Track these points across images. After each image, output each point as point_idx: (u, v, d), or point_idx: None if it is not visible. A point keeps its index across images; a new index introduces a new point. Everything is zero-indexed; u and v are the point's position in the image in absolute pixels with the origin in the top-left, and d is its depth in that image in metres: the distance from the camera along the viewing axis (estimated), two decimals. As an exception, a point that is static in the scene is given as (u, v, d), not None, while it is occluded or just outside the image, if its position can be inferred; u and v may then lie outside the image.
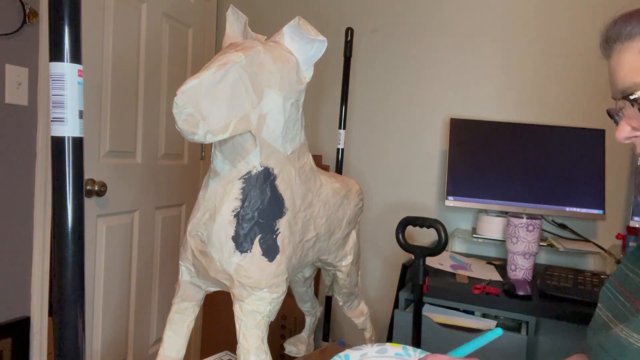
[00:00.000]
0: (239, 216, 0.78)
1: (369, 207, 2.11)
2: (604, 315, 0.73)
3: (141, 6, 1.80)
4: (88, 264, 1.65)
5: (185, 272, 0.87)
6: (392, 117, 2.07)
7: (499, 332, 0.68)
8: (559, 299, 1.32)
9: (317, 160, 2.13)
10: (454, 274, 1.54)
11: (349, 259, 1.09)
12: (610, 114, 0.69)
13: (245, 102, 0.72)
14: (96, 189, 1.62)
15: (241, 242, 0.78)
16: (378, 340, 1.80)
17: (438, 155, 2.01)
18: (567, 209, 1.70)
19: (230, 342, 2.04)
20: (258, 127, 0.75)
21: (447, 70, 1.98)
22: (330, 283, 1.21)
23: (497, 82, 1.92)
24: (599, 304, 0.76)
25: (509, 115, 1.90)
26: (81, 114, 0.55)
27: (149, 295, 1.98)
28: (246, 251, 0.78)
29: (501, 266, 1.70)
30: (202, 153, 2.28)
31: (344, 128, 1.87)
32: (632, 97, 0.62)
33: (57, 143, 0.54)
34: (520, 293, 1.33)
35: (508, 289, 1.37)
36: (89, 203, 1.63)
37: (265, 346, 0.79)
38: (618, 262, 1.55)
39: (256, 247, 0.79)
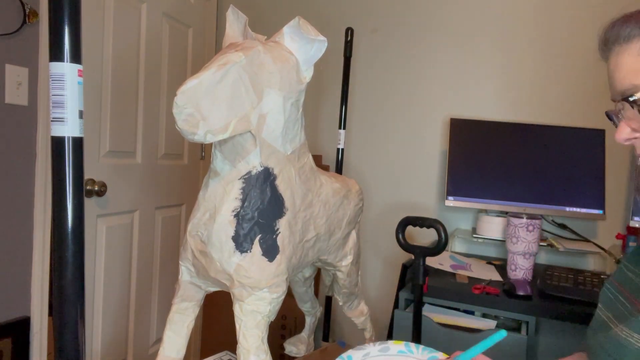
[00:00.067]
0: (239, 216, 0.78)
1: (369, 207, 2.11)
2: (604, 315, 0.73)
3: (141, 6, 1.80)
4: (88, 264, 1.65)
5: (185, 272, 0.87)
6: (392, 117, 2.07)
7: (504, 333, 0.67)
8: (559, 299, 1.32)
9: (317, 160, 2.13)
10: (454, 274, 1.54)
11: (349, 259, 1.09)
12: (609, 116, 0.69)
13: (245, 102, 0.72)
14: (96, 189, 1.62)
15: (241, 242, 0.78)
16: (378, 340, 1.80)
17: (438, 155, 2.01)
18: (567, 209, 1.70)
19: (230, 342, 2.04)
20: (258, 127, 0.75)
21: (447, 70, 1.98)
22: (330, 283, 1.21)
23: (497, 82, 1.92)
24: (599, 304, 0.76)
25: (509, 115, 1.90)
26: (81, 114, 0.55)
27: (149, 295, 1.98)
28: (246, 251, 0.78)
29: (501, 266, 1.70)
30: (202, 153, 2.28)
31: (344, 128, 1.87)
32: (631, 99, 0.62)
33: (57, 143, 0.54)
34: (520, 293, 1.33)
35: (508, 289, 1.37)
36: (89, 203, 1.63)
37: (265, 346, 0.79)
38: (618, 262, 1.55)
39: (256, 247, 0.79)
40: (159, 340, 2.04)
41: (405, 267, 1.59)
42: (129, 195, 1.82)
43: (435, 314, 1.40)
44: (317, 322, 1.40)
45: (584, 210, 1.69)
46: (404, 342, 0.74)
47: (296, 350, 1.32)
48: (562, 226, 1.80)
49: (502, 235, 1.71)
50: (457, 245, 1.96)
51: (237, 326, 0.79)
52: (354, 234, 1.11)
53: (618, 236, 1.67)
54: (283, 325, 1.99)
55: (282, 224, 0.82)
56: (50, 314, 1.59)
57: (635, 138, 0.65)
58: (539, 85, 1.87)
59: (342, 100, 1.86)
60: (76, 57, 0.54)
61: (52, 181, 0.54)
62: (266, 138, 0.77)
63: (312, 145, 2.20)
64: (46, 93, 1.50)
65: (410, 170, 2.05)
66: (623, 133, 0.65)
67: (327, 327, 1.94)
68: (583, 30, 1.80)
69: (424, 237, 2.02)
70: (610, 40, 0.66)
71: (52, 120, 0.54)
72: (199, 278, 0.86)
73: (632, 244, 1.62)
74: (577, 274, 1.50)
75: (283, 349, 1.36)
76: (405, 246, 1.12)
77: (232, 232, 0.78)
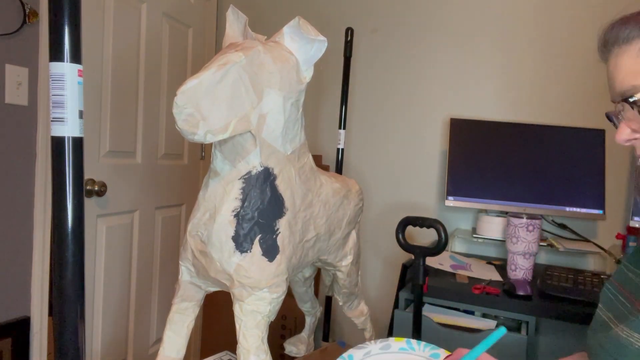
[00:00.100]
0: (239, 216, 0.78)
1: (369, 207, 2.11)
2: (605, 315, 0.73)
3: (141, 6, 1.80)
4: (88, 264, 1.65)
5: (185, 272, 0.87)
6: (392, 117, 2.07)
7: (503, 330, 0.68)
8: (559, 299, 1.32)
9: (317, 160, 2.13)
10: (454, 274, 1.54)
11: (349, 259, 1.09)
12: (609, 117, 0.69)
13: (245, 102, 0.72)
14: (96, 189, 1.62)
15: (241, 242, 0.78)
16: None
17: (438, 155, 2.01)
18: (567, 209, 1.70)
19: (230, 342, 2.04)
20: (258, 127, 0.75)
21: (447, 70, 1.98)
22: (330, 283, 1.21)
23: (497, 82, 1.92)
24: (599, 305, 0.76)
25: (509, 115, 1.90)
26: (81, 114, 0.55)
27: (149, 295, 1.98)
28: (246, 251, 0.78)
29: (501, 266, 1.70)
30: (202, 153, 2.28)
31: (344, 128, 1.87)
32: (631, 100, 0.62)
33: (57, 143, 0.54)
34: (520, 293, 1.33)
35: (508, 289, 1.37)
36: (89, 203, 1.63)
37: (265, 346, 0.79)
38: (618, 262, 1.55)
39: (256, 247, 0.79)
40: (159, 340, 2.04)
41: (405, 267, 1.59)
42: (129, 195, 1.82)
43: (435, 314, 1.40)
44: (317, 322, 1.40)
45: (584, 210, 1.69)
46: (405, 339, 0.74)
47: (296, 350, 1.32)
48: (562, 226, 1.80)
49: (502, 235, 1.71)
50: (457, 245, 1.96)
51: (237, 326, 0.79)
52: (354, 234, 1.11)
53: (618, 236, 1.67)
54: (283, 325, 1.99)
55: (282, 224, 0.82)
56: (50, 314, 1.59)
57: (636, 139, 0.66)
58: (539, 85, 1.87)
59: (342, 100, 1.86)
60: (76, 57, 0.54)
61: (52, 181, 0.54)
62: (266, 138, 0.77)
63: (312, 145, 2.20)
64: (46, 93, 1.50)
65: (410, 170, 2.05)
66: (623, 134, 0.65)
67: (327, 327, 1.94)
68: (583, 30, 1.81)
69: (424, 237, 2.02)
70: (609, 42, 0.66)
71: (52, 120, 0.54)
72: (199, 278, 0.86)
73: (632, 244, 1.62)
74: (577, 274, 1.50)
75: (283, 349, 1.36)
76: (405, 246, 1.12)
77: (232, 232, 0.78)
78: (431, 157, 2.01)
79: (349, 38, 1.83)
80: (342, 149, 1.87)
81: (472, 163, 1.78)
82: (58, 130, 0.54)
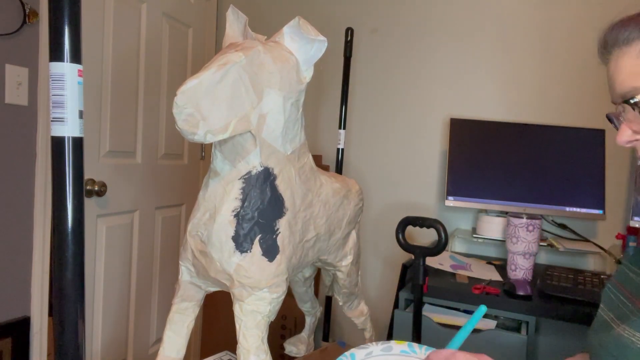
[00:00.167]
0: (239, 216, 0.78)
1: (369, 207, 2.11)
2: (606, 315, 0.73)
3: (141, 6, 1.80)
4: (88, 264, 1.65)
5: (185, 272, 0.87)
6: (392, 117, 2.07)
7: (484, 309, 0.68)
8: (559, 299, 1.32)
9: (317, 160, 2.13)
10: (454, 274, 1.54)
11: (349, 259, 1.09)
12: (610, 119, 0.69)
13: (245, 102, 0.72)
14: (96, 189, 1.62)
15: (241, 242, 0.78)
16: (378, 340, 1.80)
17: (438, 155, 2.01)
18: (567, 209, 1.70)
19: (230, 342, 2.04)
20: (258, 127, 0.75)
21: (447, 70, 1.98)
22: (330, 283, 1.21)
23: (497, 82, 1.92)
24: (600, 305, 0.76)
25: (508, 115, 1.90)
26: (81, 114, 0.55)
27: (149, 295, 1.98)
28: (246, 251, 0.78)
29: (501, 266, 1.70)
30: (202, 153, 2.28)
31: (344, 128, 1.87)
32: (632, 101, 0.62)
33: (57, 143, 0.54)
34: (520, 293, 1.33)
35: (508, 289, 1.37)
36: (89, 203, 1.63)
37: (265, 346, 0.79)
38: (618, 262, 1.55)
39: (256, 247, 0.79)
40: (159, 340, 2.04)
41: (405, 267, 1.59)
42: (129, 195, 1.82)
43: (435, 314, 1.40)
44: (317, 322, 1.40)
45: (584, 210, 1.69)
46: (407, 342, 0.74)
47: (296, 350, 1.32)
48: (562, 226, 1.80)
49: (502, 235, 1.71)
50: (457, 245, 1.96)
51: (237, 326, 0.79)
52: (354, 234, 1.11)
53: (618, 236, 1.67)
54: (283, 325, 1.99)
55: (282, 224, 0.82)
56: (50, 314, 1.59)
57: (637, 140, 0.66)
58: (539, 85, 1.87)
59: (342, 100, 1.86)
60: (76, 57, 0.54)
61: (52, 181, 0.54)
62: (266, 138, 0.77)
63: (312, 145, 2.20)
64: (46, 93, 1.50)
65: (410, 170, 2.05)
66: (624, 135, 0.66)
67: (327, 327, 1.94)
68: (583, 31, 1.80)
69: (424, 237, 2.02)
70: (609, 44, 0.66)
71: (52, 120, 0.54)
72: (199, 278, 0.86)
73: (632, 244, 1.62)
74: (577, 274, 1.50)
75: (283, 349, 1.36)
76: (405, 246, 1.12)
77: (232, 232, 0.78)
78: (431, 157, 2.01)
79: (349, 38, 1.83)
80: (342, 149, 1.87)
81: (472, 163, 1.78)
82: (58, 130, 0.54)
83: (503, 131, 1.79)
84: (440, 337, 1.32)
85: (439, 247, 1.07)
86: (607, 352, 0.66)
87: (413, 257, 1.14)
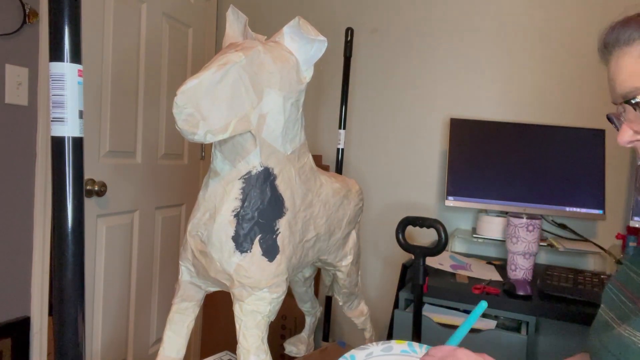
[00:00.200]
0: (239, 216, 0.78)
1: (369, 207, 2.11)
2: (607, 315, 0.73)
3: (141, 6, 1.80)
4: (88, 264, 1.65)
5: (185, 272, 0.87)
6: (392, 117, 2.07)
7: (484, 305, 0.68)
8: (559, 299, 1.32)
9: (317, 160, 2.13)
10: (454, 274, 1.54)
11: (349, 259, 1.09)
12: (610, 119, 0.69)
13: (245, 102, 0.72)
14: (96, 189, 1.62)
15: (241, 242, 0.78)
16: (378, 340, 1.80)
17: (438, 155, 2.01)
18: (567, 209, 1.70)
19: (230, 342, 2.04)
20: (258, 127, 0.75)
21: (447, 70, 1.98)
22: (330, 283, 1.21)
23: (497, 82, 1.92)
24: (601, 305, 0.76)
25: (509, 115, 1.90)
26: (81, 114, 0.55)
27: (149, 295, 1.98)
28: (246, 251, 0.78)
29: (501, 266, 1.70)
30: (202, 153, 2.28)
31: (344, 128, 1.87)
32: (633, 102, 0.62)
33: (57, 143, 0.54)
34: (520, 293, 1.33)
35: (508, 289, 1.37)
36: (89, 203, 1.63)
37: (265, 346, 0.79)
38: (618, 262, 1.55)
39: (256, 247, 0.79)
40: (159, 340, 2.04)
41: (405, 267, 1.59)
42: (129, 195, 1.82)
43: (435, 314, 1.40)
44: (317, 322, 1.40)
45: (584, 210, 1.69)
46: (407, 342, 0.74)
47: (296, 350, 1.32)
48: (562, 226, 1.80)
49: (502, 235, 1.71)
50: (457, 245, 1.96)
51: (237, 326, 0.79)
52: (354, 234, 1.11)
53: (618, 236, 1.67)
54: (283, 325, 1.99)
55: (282, 224, 0.82)
56: (50, 314, 1.59)
57: (638, 140, 0.66)
58: (539, 85, 1.87)
59: (342, 100, 1.86)
60: (76, 57, 0.54)
61: (52, 181, 0.54)
62: (266, 138, 0.77)
63: (312, 145, 2.20)
64: (46, 93, 1.50)
65: (410, 170, 2.05)
66: (625, 135, 0.66)
67: (327, 327, 1.94)
68: (583, 30, 1.80)
69: (424, 237, 2.02)
70: (610, 44, 0.66)
71: (52, 120, 0.54)
72: (199, 278, 0.86)
73: (632, 244, 1.62)
74: (577, 274, 1.50)
75: (283, 349, 1.36)
76: (405, 246, 1.12)
77: (232, 232, 0.78)
78: (431, 157, 2.01)
79: (349, 38, 1.83)
80: (342, 149, 1.87)
81: (472, 163, 1.78)
82: (58, 130, 0.54)
83: (503, 131, 1.79)
84: (441, 337, 1.32)
85: (439, 247, 1.07)
86: (608, 352, 0.66)
87: (413, 257, 1.14)
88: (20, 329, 1.48)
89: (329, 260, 1.05)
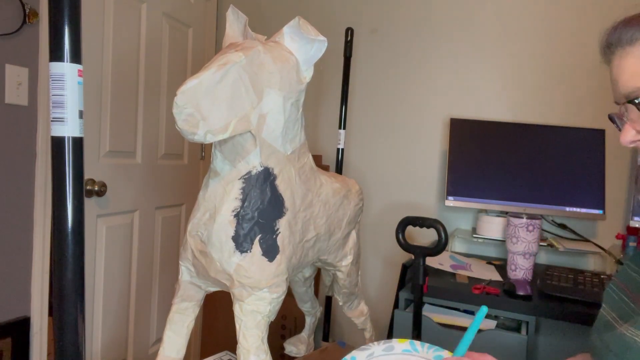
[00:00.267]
0: (239, 216, 0.78)
1: (369, 207, 2.11)
2: (608, 315, 0.73)
3: (141, 6, 1.80)
4: (88, 264, 1.65)
5: (185, 272, 0.87)
6: (392, 117, 2.07)
7: (485, 310, 0.68)
8: (559, 299, 1.32)
9: (317, 160, 2.13)
10: (454, 274, 1.54)
11: (349, 259, 1.09)
12: (612, 119, 0.69)
13: (245, 102, 0.72)
14: (96, 189, 1.62)
15: (241, 242, 0.78)
16: (378, 340, 1.80)
17: (438, 155, 2.01)
18: (567, 209, 1.70)
19: (230, 342, 2.04)
20: (258, 127, 0.75)
21: (447, 70, 1.98)
22: (330, 283, 1.21)
23: (497, 82, 1.92)
24: (603, 304, 0.76)
25: (509, 115, 1.90)
26: (81, 114, 0.55)
27: (149, 295, 1.98)
28: (246, 251, 0.78)
29: (501, 266, 1.70)
30: (202, 153, 2.28)
31: (344, 128, 1.87)
32: (637, 101, 0.62)
33: (57, 143, 0.54)
34: (520, 293, 1.33)
35: (508, 289, 1.37)
36: (89, 203, 1.63)
37: (265, 346, 0.79)
38: (618, 262, 1.55)
39: (256, 247, 0.79)
40: (159, 340, 2.04)
41: (405, 267, 1.59)
42: (129, 195, 1.82)
43: (435, 314, 1.40)
44: (317, 322, 1.40)
45: (584, 210, 1.69)
46: (408, 341, 0.74)
47: (296, 350, 1.32)
48: (562, 226, 1.80)
49: (502, 235, 1.71)
50: (457, 245, 1.96)
51: (237, 326, 0.79)
52: (354, 234, 1.11)
53: (618, 236, 1.67)
54: (283, 325, 1.99)
55: (282, 224, 0.82)
56: (50, 314, 1.59)
57: None
58: (539, 85, 1.87)
59: (342, 100, 1.86)
60: (76, 57, 0.54)
61: (52, 181, 0.54)
62: (266, 138, 0.77)
63: (312, 145, 2.20)
64: (46, 93, 1.50)
65: (410, 170, 2.05)
66: (628, 135, 0.66)
67: (327, 327, 1.94)
68: (583, 30, 1.80)
69: (424, 237, 2.02)
70: (612, 44, 0.66)
71: (52, 120, 0.54)
72: (199, 278, 0.86)
73: (632, 244, 1.62)
74: (577, 274, 1.50)
75: (283, 349, 1.36)
76: (405, 246, 1.12)
77: (232, 232, 0.78)
78: (431, 157, 2.01)
79: (349, 38, 1.83)
80: (342, 149, 1.87)
81: (472, 163, 1.78)
82: (58, 130, 0.54)
83: (503, 131, 1.79)
84: (441, 337, 1.32)
85: (439, 247, 1.07)
86: (610, 351, 0.66)
87: (413, 257, 1.14)
88: (20, 329, 1.48)
89: (329, 260, 1.05)
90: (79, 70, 0.54)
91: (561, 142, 1.74)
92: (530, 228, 1.43)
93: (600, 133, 1.72)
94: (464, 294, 1.37)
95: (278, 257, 0.81)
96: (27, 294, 1.51)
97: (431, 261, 1.57)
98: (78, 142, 0.55)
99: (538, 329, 1.63)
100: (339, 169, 1.88)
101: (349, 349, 1.39)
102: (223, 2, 2.30)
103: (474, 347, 0.69)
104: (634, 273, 0.74)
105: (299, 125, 0.84)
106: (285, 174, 0.82)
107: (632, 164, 1.76)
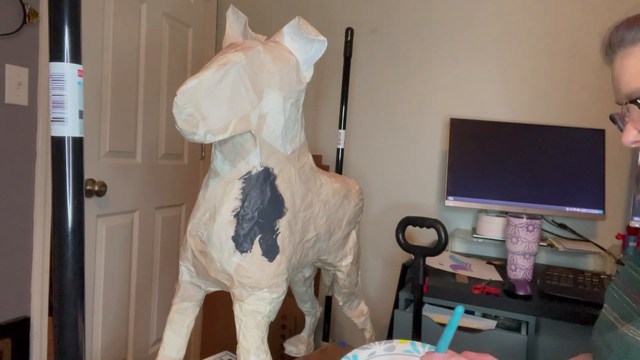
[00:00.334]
0: (239, 216, 0.78)
1: (369, 207, 2.11)
2: (610, 315, 0.73)
3: (141, 6, 1.80)
4: (88, 264, 1.65)
5: (185, 272, 0.87)
6: (392, 117, 2.07)
7: (461, 310, 0.68)
8: (559, 299, 1.32)
9: (317, 160, 2.13)
10: (454, 274, 1.54)
11: (349, 259, 1.09)
12: (614, 119, 0.69)
13: (245, 102, 0.72)
14: (96, 189, 1.62)
15: (241, 242, 0.78)
16: (378, 340, 1.80)
17: (438, 155, 2.01)
18: (567, 209, 1.70)
19: (230, 342, 2.04)
20: (258, 127, 0.75)
21: (447, 70, 1.98)
22: (330, 283, 1.21)
23: (497, 82, 1.92)
24: (604, 305, 0.76)
25: (509, 115, 1.90)
26: (81, 114, 0.55)
27: (149, 295, 1.98)
28: (246, 251, 0.78)
29: (501, 266, 1.70)
30: (202, 153, 2.28)
31: (344, 128, 1.87)
32: (639, 101, 0.62)
33: (57, 143, 0.54)
34: (520, 293, 1.33)
35: (508, 289, 1.37)
36: (89, 203, 1.63)
37: (265, 346, 0.79)
38: (618, 262, 1.55)
39: (256, 247, 0.79)
40: (159, 340, 2.04)
41: (405, 267, 1.59)
42: (129, 195, 1.82)
43: (435, 314, 1.40)
44: (317, 322, 1.40)
45: (584, 210, 1.69)
46: (409, 341, 0.74)
47: (296, 350, 1.32)
48: (562, 226, 1.80)
49: (502, 235, 1.71)
50: (457, 245, 1.96)
51: (237, 326, 0.79)
52: (354, 234, 1.11)
53: (618, 236, 1.67)
54: (283, 325, 1.99)
55: (282, 224, 0.82)
56: (50, 314, 1.59)
57: None
58: (539, 85, 1.87)
59: (342, 100, 1.86)
60: (76, 57, 0.54)
61: (52, 181, 0.54)
62: (266, 138, 0.77)
63: (312, 145, 2.20)
64: (46, 93, 1.50)
65: (410, 170, 2.05)
66: (630, 135, 0.65)
67: (327, 327, 1.94)
68: (583, 30, 1.80)
69: (424, 237, 2.02)
70: (614, 44, 0.66)
71: (52, 120, 0.54)
72: (199, 278, 0.86)
73: (632, 244, 1.62)
74: (577, 274, 1.50)
75: (283, 349, 1.36)
76: (405, 246, 1.12)
77: (232, 232, 0.78)
78: (431, 157, 2.01)
79: (349, 38, 1.83)
80: (342, 149, 1.87)
81: (472, 163, 1.78)
82: (58, 130, 0.54)
83: (503, 131, 1.79)
84: (441, 337, 1.32)
85: (439, 247, 1.07)
86: (612, 351, 0.66)
87: (413, 257, 1.14)
88: (20, 329, 1.48)
89: (329, 260, 1.05)
90: (79, 70, 0.54)
91: (561, 142, 1.74)
92: (530, 228, 1.43)
93: (600, 133, 1.72)
94: (464, 294, 1.37)
95: (278, 257, 0.81)
96: (27, 294, 1.51)
97: (431, 261, 1.57)
98: (78, 142, 0.55)
99: (538, 329, 1.63)
100: (339, 169, 1.88)
101: (349, 349, 1.39)
102: (223, 2, 2.30)
103: (474, 347, 0.69)
104: (635, 273, 0.74)
105: (299, 125, 0.84)
106: (285, 174, 0.82)
107: (632, 164, 1.76)
